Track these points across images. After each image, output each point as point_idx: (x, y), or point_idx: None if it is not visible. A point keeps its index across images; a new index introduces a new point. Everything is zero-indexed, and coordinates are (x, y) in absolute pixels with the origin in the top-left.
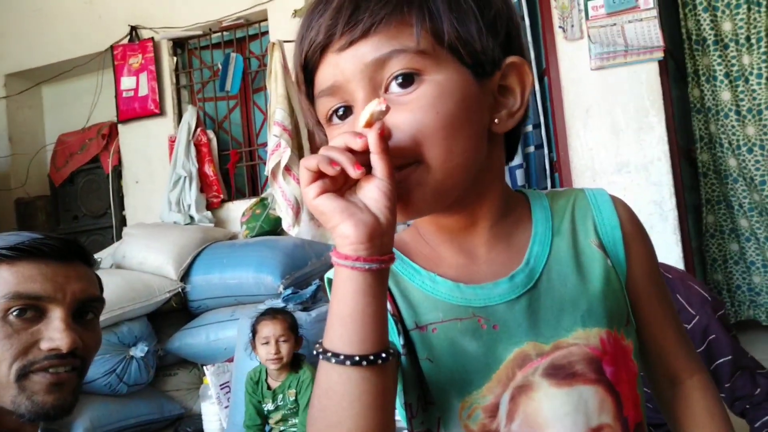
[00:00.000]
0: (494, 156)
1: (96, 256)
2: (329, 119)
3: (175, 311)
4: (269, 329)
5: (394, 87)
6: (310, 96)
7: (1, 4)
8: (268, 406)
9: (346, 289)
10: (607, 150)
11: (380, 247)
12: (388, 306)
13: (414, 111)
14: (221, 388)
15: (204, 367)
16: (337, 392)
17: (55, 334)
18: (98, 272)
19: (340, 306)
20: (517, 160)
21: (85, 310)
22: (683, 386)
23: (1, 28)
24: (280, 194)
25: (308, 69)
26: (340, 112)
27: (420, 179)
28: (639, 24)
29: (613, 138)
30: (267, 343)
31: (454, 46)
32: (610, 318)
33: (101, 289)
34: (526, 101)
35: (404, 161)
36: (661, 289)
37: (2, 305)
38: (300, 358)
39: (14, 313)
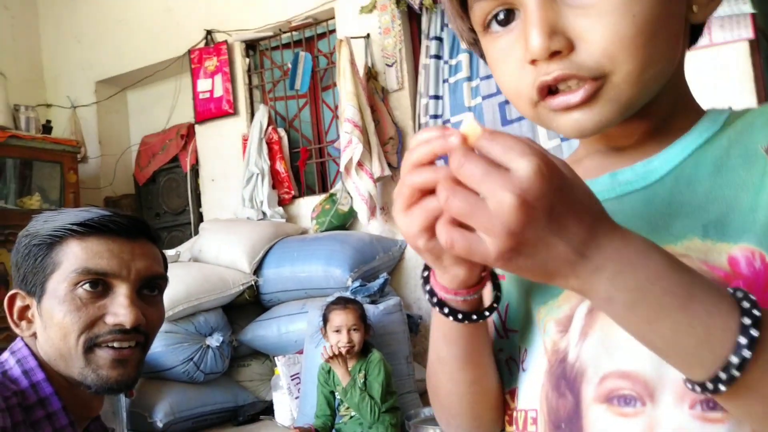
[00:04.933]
0: (683, 49)
1: (175, 250)
2: (487, 26)
3: (249, 304)
4: (341, 318)
5: None
6: (463, 2)
7: (90, 17)
8: (340, 392)
9: None
10: None
11: None
12: None
13: (602, 15)
14: (291, 379)
15: (275, 358)
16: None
17: (119, 309)
18: (177, 265)
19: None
20: None
21: (149, 286)
22: None
23: (90, 39)
24: (354, 189)
25: None
26: (501, 17)
27: (611, 96)
28: (724, 4)
29: None
30: (338, 331)
31: None
32: (749, 232)
33: (165, 268)
34: None
35: (592, 76)
36: None
37: (72, 279)
38: (369, 345)
39: (83, 287)
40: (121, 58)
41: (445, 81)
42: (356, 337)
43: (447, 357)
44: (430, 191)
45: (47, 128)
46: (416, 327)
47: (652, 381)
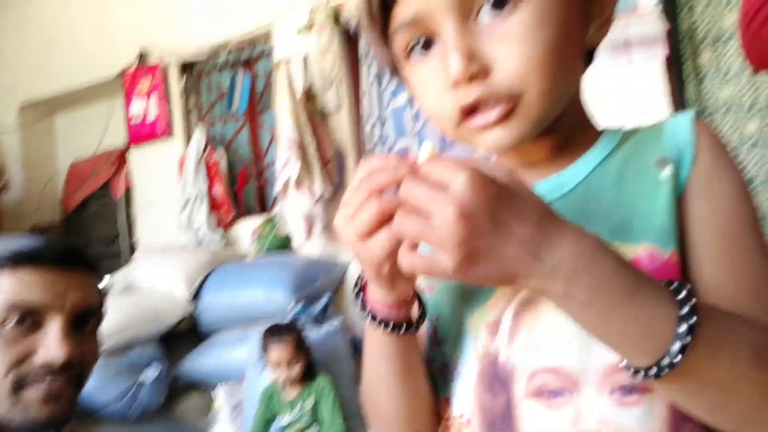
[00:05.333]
0: (581, 71)
1: (107, 280)
2: (408, 54)
3: (186, 333)
4: (277, 354)
5: (485, 13)
6: (384, 32)
7: (14, 36)
8: (285, 419)
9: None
10: None
11: None
12: None
13: (514, 41)
14: (233, 411)
15: (216, 389)
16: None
17: (51, 345)
18: (109, 296)
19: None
20: None
21: (85, 319)
22: None
23: (14, 59)
24: (291, 210)
25: (385, 1)
26: (421, 45)
27: (524, 114)
28: (640, 27)
29: None
30: (278, 365)
31: None
32: (649, 234)
33: (103, 299)
34: (614, 7)
35: (507, 96)
36: (735, 234)
37: (1, 313)
38: (313, 369)
39: (11, 323)
40: (49, 80)
41: (387, 105)
42: (296, 369)
43: (385, 372)
44: (389, 218)
45: None
46: (361, 347)
47: (575, 373)
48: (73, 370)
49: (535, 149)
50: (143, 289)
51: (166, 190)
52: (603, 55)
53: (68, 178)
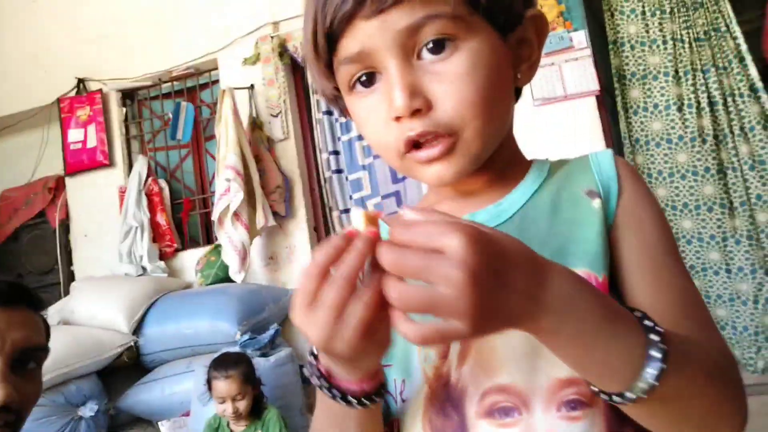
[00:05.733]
0: (512, 108)
1: (43, 313)
2: (352, 87)
3: (128, 367)
4: (223, 388)
5: (426, 53)
6: (328, 65)
7: None
8: None
9: None
10: None
11: None
12: None
13: (452, 82)
14: None
15: (159, 423)
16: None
17: None
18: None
19: None
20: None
21: (26, 359)
22: None
23: None
24: (227, 240)
25: (330, 36)
26: (364, 79)
27: (464, 150)
28: (575, 63)
29: None
30: (223, 401)
31: (488, 9)
32: (585, 259)
33: (47, 336)
34: (541, 51)
35: (447, 132)
36: (661, 258)
37: None
38: (262, 402)
39: None
40: None
41: (338, 138)
42: (242, 405)
43: None
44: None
45: None
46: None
47: (525, 391)
48: (11, 415)
49: (472, 180)
50: (82, 322)
51: (106, 220)
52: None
53: (0, 206)
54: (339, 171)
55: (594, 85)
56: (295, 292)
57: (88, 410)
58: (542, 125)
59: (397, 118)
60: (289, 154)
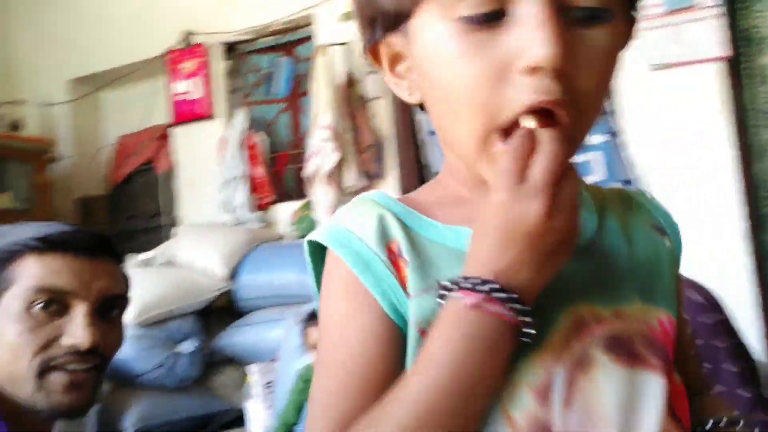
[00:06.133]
0: None
1: (147, 254)
2: (461, 18)
3: (224, 310)
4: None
5: (578, 16)
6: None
7: (65, 14)
8: None
9: None
10: (663, 158)
11: None
12: (392, 269)
13: (600, 59)
14: (265, 387)
15: (248, 367)
16: None
17: (77, 330)
18: (150, 270)
19: None
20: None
21: (109, 306)
22: (701, 397)
23: (65, 37)
24: (317, 198)
25: None
26: (486, 16)
27: (574, 134)
28: (698, 24)
29: (670, 144)
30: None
31: None
32: (669, 301)
33: (128, 286)
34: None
35: (576, 113)
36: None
37: (28, 297)
38: None
39: (38, 306)
40: (96, 57)
41: None
42: None
43: (482, 383)
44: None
45: (15, 126)
46: None
47: None
48: (97, 358)
49: None
50: (183, 265)
51: (207, 170)
52: (660, 52)
53: (115, 152)
54: (433, 133)
55: (719, 49)
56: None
57: (187, 347)
58: (658, 92)
59: (532, 71)
60: (381, 113)
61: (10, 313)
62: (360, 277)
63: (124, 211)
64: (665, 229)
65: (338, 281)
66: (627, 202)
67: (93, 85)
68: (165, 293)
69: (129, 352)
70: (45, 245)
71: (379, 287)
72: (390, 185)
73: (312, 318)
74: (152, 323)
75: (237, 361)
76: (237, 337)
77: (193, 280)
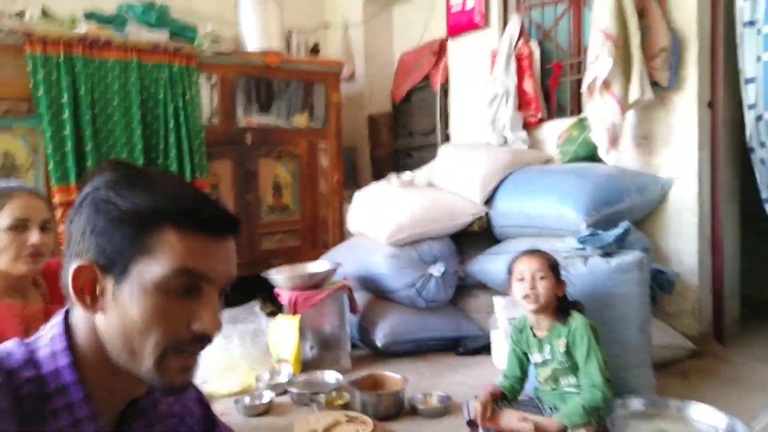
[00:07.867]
0: None
1: (408, 174)
2: None
3: (479, 234)
4: (524, 265)
5: None
6: None
7: None
8: (536, 358)
9: None
10: None
11: None
12: None
13: None
14: (510, 322)
15: (495, 297)
16: None
17: (207, 317)
18: (408, 191)
19: None
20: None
21: (226, 290)
22: None
23: None
24: (595, 114)
25: None
26: None
27: None
28: None
29: None
30: (522, 279)
31: None
32: None
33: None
34: None
35: None
36: None
37: (170, 275)
38: (568, 305)
39: (179, 287)
40: None
41: None
42: (541, 285)
43: None
44: None
45: (315, 50)
46: (669, 285)
47: None
48: (210, 343)
49: None
50: (442, 186)
51: (478, 85)
52: None
53: (397, 69)
54: (752, 23)
55: None
56: None
57: (437, 269)
58: None
59: None
60: (685, 5)
61: (146, 286)
62: None
63: (406, 127)
64: None
65: None
66: None
67: (384, 2)
68: (418, 216)
69: (383, 269)
70: (181, 218)
71: None
72: (687, 97)
73: (520, 255)
74: (407, 243)
75: (489, 288)
76: (489, 264)
77: (449, 203)
